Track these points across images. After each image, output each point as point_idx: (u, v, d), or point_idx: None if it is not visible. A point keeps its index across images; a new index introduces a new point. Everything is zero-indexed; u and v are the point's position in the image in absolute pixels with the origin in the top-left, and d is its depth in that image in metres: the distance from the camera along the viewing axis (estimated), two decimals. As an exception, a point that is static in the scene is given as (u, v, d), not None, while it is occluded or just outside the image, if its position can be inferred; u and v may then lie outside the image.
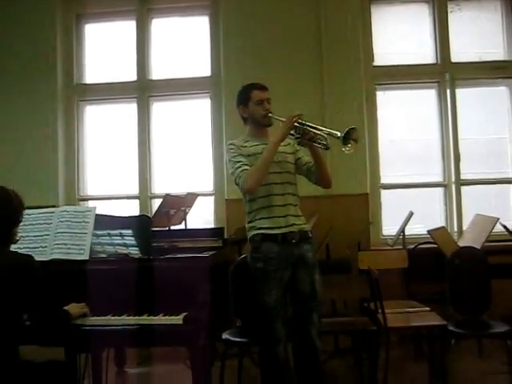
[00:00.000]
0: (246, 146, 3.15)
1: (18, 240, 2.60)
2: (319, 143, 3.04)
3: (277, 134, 3.05)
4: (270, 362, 3.05)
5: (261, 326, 3.10)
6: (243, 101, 3.22)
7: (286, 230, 3.06)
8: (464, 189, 5.41)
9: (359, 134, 2.93)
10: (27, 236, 2.96)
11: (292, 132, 3.06)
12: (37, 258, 2.80)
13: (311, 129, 3.02)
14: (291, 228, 3.07)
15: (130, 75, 5.72)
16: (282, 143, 3.10)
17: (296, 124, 3.02)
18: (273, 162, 3.06)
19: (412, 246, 4.83)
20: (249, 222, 3.16)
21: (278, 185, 3.10)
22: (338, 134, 2.89)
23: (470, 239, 4.52)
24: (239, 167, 3.04)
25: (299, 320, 3.10)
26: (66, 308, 2.63)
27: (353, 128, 2.89)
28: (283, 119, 3.07)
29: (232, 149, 3.13)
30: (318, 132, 3.01)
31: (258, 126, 3.22)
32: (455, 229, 5.33)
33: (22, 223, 2.97)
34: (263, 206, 3.08)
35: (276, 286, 3.03)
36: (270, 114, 3.16)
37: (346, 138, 2.87)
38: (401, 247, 4.70)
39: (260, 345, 3.15)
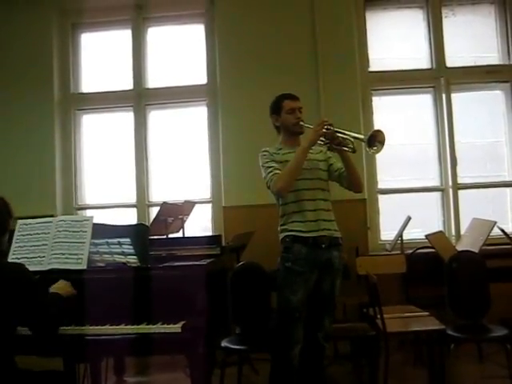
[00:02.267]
0: (278, 154, 3.25)
1: (5, 249, 2.58)
2: (347, 147, 3.15)
3: (306, 140, 3.15)
4: (283, 366, 3.12)
5: (280, 325, 3.16)
6: (275, 110, 3.35)
7: (316, 234, 3.13)
8: (461, 193, 5.42)
9: (384, 137, 3.05)
10: (25, 246, 2.96)
11: (322, 138, 3.16)
12: (35, 268, 2.81)
13: (339, 134, 3.12)
14: (322, 232, 3.15)
15: (127, 84, 5.74)
16: (314, 151, 3.25)
17: (324, 130, 3.11)
18: (305, 169, 3.16)
19: (410, 251, 4.83)
20: (281, 225, 3.23)
21: (309, 191, 3.19)
22: (363, 137, 3.05)
23: (468, 243, 4.53)
24: (271, 171, 3.15)
25: (311, 322, 3.17)
26: (53, 289, 2.61)
27: (377, 130, 3.05)
28: (312, 126, 3.17)
29: (265, 155, 3.25)
30: (346, 136, 3.12)
31: (290, 134, 3.33)
32: (453, 233, 5.34)
33: (19, 233, 2.99)
34: (295, 210, 3.17)
35: (302, 286, 3.10)
36: (301, 123, 3.27)
37: (371, 141, 3.01)
38: (399, 252, 4.70)
39: (276, 347, 3.19)
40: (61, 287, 2.64)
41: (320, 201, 3.21)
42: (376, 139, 3.02)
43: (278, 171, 3.13)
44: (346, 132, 3.13)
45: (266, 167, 3.19)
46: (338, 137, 3.12)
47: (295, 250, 3.11)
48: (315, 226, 3.14)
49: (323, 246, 3.14)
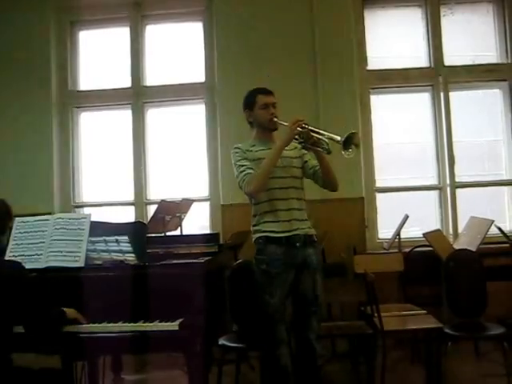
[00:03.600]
0: (251, 151, 3.17)
1: (3, 248, 2.59)
2: (322, 147, 3.06)
3: (281, 139, 3.09)
4: (271, 365, 3.06)
5: (263, 328, 3.10)
6: (249, 105, 3.25)
7: (290, 233, 3.07)
8: (459, 191, 5.42)
9: (359, 139, 2.96)
10: (22, 244, 2.95)
11: (296, 137, 3.08)
12: (32, 266, 2.82)
13: (314, 133, 3.04)
14: (296, 232, 3.09)
15: (125, 82, 5.72)
16: (288, 148, 3.14)
17: (299, 129, 3.03)
18: (278, 166, 3.08)
19: (408, 250, 4.84)
20: (254, 225, 3.17)
21: (282, 189, 3.12)
22: (339, 138, 2.91)
23: (466, 242, 4.53)
24: (243, 171, 3.06)
25: (298, 324, 3.12)
26: (63, 309, 2.63)
27: (353, 133, 2.92)
28: (287, 124, 3.09)
29: (237, 152, 3.16)
30: (320, 136, 3.03)
31: (264, 130, 3.24)
32: (451, 231, 5.34)
33: (17, 231, 2.99)
34: (267, 210, 3.10)
35: (279, 287, 3.05)
36: (275, 119, 3.18)
37: (347, 143, 2.89)
38: (396, 250, 4.70)
39: (262, 348, 3.15)
40: (71, 311, 2.64)
41: (293, 200, 3.13)
42: (352, 141, 2.90)
43: (250, 170, 3.05)
44: (322, 132, 3.03)
45: (238, 165, 3.10)
46: (313, 136, 3.03)
47: (269, 252, 3.05)
48: (288, 225, 3.07)
49: (297, 244, 3.08)
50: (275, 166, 3.05)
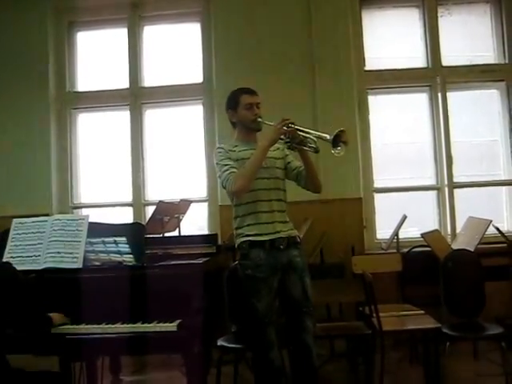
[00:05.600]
0: (234, 151, 3.13)
1: None
2: (309, 146, 3.03)
3: (266, 138, 3.03)
4: (263, 368, 3.04)
5: (252, 332, 3.08)
6: (232, 105, 3.21)
7: (273, 236, 3.05)
8: (457, 191, 5.42)
9: (348, 137, 2.91)
10: (20, 245, 2.96)
11: (281, 136, 3.04)
12: (30, 267, 2.82)
13: (300, 132, 3.00)
14: (279, 234, 3.06)
15: (123, 82, 5.72)
16: (272, 148, 3.09)
17: (285, 128, 2.99)
18: (261, 167, 3.04)
19: (406, 250, 4.84)
20: (236, 229, 3.14)
21: (265, 191, 3.09)
22: (328, 136, 2.86)
23: (464, 242, 4.54)
24: (227, 170, 3.02)
25: (293, 326, 3.09)
26: (49, 314, 2.62)
27: (342, 130, 2.87)
28: (272, 124, 3.05)
29: (220, 152, 3.12)
30: (307, 135, 2.99)
31: (247, 130, 3.21)
32: (449, 231, 5.34)
33: (15, 232, 2.99)
34: (249, 212, 3.07)
35: (266, 292, 3.02)
36: (259, 119, 3.15)
37: (336, 141, 2.85)
38: (395, 251, 4.70)
39: (253, 351, 3.13)
40: (57, 317, 2.65)
41: (275, 202, 3.11)
42: (340, 139, 2.86)
43: (234, 170, 3.01)
44: (308, 130, 2.99)
45: (221, 165, 3.06)
46: (300, 135, 3.00)
47: (253, 256, 3.02)
48: (271, 228, 3.05)
49: (281, 247, 3.05)
50: (260, 165, 3.02)
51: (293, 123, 3.01)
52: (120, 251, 3.02)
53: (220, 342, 3.54)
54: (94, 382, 3.54)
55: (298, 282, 3.08)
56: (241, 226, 3.10)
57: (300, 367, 3.08)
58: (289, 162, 3.24)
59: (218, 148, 3.17)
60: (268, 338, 3.01)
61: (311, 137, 2.98)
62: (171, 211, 4.64)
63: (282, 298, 3.10)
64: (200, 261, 2.96)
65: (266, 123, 3.14)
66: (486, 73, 5.49)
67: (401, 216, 4.80)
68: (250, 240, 3.04)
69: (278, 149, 3.21)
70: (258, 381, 3.09)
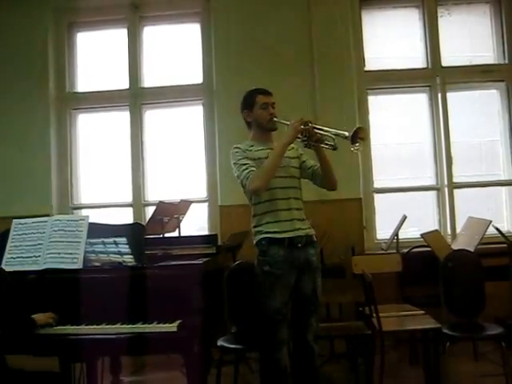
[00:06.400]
0: (251, 150, 3.16)
1: None
2: (326, 144, 3.07)
3: (284, 137, 3.08)
4: (271, 368, 3.06)
5: (264, 329, 3.10)
6: (248, 105, 3.25)
7: (292, 234, 3.07)
8: (457, 192, 5.43)
9: (367, 133, 2.98)
10: (20, 245, 2.96)
11: (299, 135, 3.08)
12: (30, 268, 2.83)
13: (318, 130, 3.05)
14: (297, 232, 3.09)
15: (122, 83, 5.72)
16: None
17: (302, 127, 3.04)
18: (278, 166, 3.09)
19: (406, 250, 4.85)
20: (255, 226, 3.17)
21: (282, 189, 3.13)
22: (346, 133, 2.92)
23: (464, 242, 4.54)
24: (246, 169, 3.05)
25: (298, 323, 3.12)
26: (32, 316, 2.62)
27: (360, 127, 2.94)
28: (288, 123, 3.10)
29: (237, 152, 3.15)
30: (325, 133, 3.04)
31: (263, 130, 3.24)
32: (449, 232, 5.35)
33: (15, 232, 2.99)
34: (268, 210, 3.10)
35: (282, 289, 3.04)
36: (274, 119, 3.20)
37: (354, 137, 2.90)
38: (395, 251, 4.70)
39: (262, 349, 3.14)
40: (40, 318, 2.65)
41: (292, 200, 3.14)
42: (358, 136, 2.91)
43: (253, 168, 3.04)
44: (326, 128, 3.03)
45: (239, 164, 3.08)
46: (317, 133, 3.05)
47: (272, 253, 3.04)
48: (290, 225, 3.08)
49: (299, 245, 3.08)
50: (279, 164, 3.06)
51: (310, 121, 3.06)
52: (120, 252, 3.01)
53: (220, 343, 3.53)
54: (94, 382, 3.53)
55: (311, 280, 3.11)
56: (260, 224, 3.13)
57: (301, 366, 3.11)
58: (304, 161, 3.29)
59: (235, 148, 3.18)
60: (279, 336, 3.04)
61: (329, 134, 3.03)
62: (171, 212, 4.64)
63: (293, 295, 3.12)
64: (200, 261, 2.96)
65: (281, 122, 3.17)
66: (485, 73, 5.50)
67: (401, 216, 4.80)
68: (269, 237, 3.07)
69: (293, 148, 3.25)
70: (262, 378, 3.12)
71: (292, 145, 3.18)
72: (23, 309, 2.62)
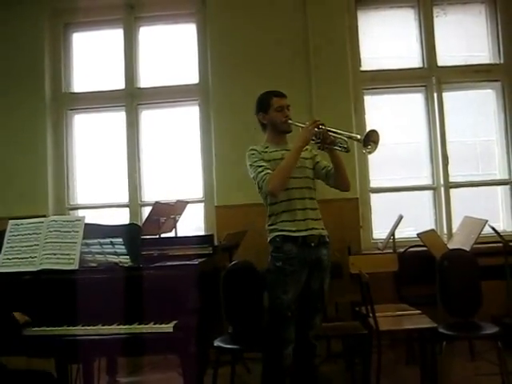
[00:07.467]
0: (266, 152, 3.23)
1: None
2: (340, 146, 3.14)
3: (299, 139, 3.12)
4: (273, 363, 3.10)
5: (273, 324, 3.15)
6: (263, 108, 3.31)
7: (306, 233, 3.13)
8: (453, 191, 5.44)
9: (379, 136, 3.03)
10: (16, 246, 2.95)
11: (313, 137, 3.13)
12: (26, 269, 2.81)
13: (331, 133, 3.11)
14: (311, 232, 3.15)
15: (118, 83, 5.72)
16: None
17: (316, 129, 3.10)
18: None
19: (402, 250, 4.86)
20: (270, 225, 3.22)
21: (298, 189, 3.19)
22: (359, 136, 3.03)
23: (460, 241, 4.54)
24: (262, 171, 3.11)
25: (302, 320, 3.16)
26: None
27: (372, 130, 3.02)
28: (303, 125, 3.15)
29: (253, 154, 3.21)
30: (338, 136, 3.11)
31: (278, 132, 3.31)
32: (445, 231, 5.36)
33: (10, 233, 2.98)
34: (285, 209, 3.16)
35: (293, 285, 3.10)
36: (290, 121, 3.25)
37: (366, 140, 2.99)
38: (391, 251, 4.72)
39: (268, 343, 3.18)
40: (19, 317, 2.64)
41: (307, 200, 3.21)
42: (370, 139, 3.00)
43: (269, 170, 3.10)
44: (339, 131, 3.11)
45: (255, 166, 3.16)
46: (330, 136, 3.11)
47: (286, 250, 3.11)
48: (304, 225, 3.14)
49: (312, 244, 3.14)
50: (295, 165, 3.12)
51: (323, 124, 3.11)
52: (116, 252, 3.01)
53: (217, 343, 3.53)
54: (91, 383, 3.53)
55: (320, 279, 3.18)
56: (275, 223, 3.19)
57: (302, 363, 3.17)
58: (317, 162, 3.35)
59: (251, 150, 3.24)
60: (287, 334, 3.10)
61: (342, 137, 3.10)
62: (167, 212, 4.64)
63: (301, 292, 3.16)
64: (196, 262, 2.95)
65: (296, 125, 3.23)
66: (481, 73, 5.51)
67: (397, 216, 4.81)
68: (283, 235, 3.13)
69: (307, 149, 3.31)
70: (264, 374, 3.17)
71: (306, 146, 3.24)
72: (8, 309, 2.60)
